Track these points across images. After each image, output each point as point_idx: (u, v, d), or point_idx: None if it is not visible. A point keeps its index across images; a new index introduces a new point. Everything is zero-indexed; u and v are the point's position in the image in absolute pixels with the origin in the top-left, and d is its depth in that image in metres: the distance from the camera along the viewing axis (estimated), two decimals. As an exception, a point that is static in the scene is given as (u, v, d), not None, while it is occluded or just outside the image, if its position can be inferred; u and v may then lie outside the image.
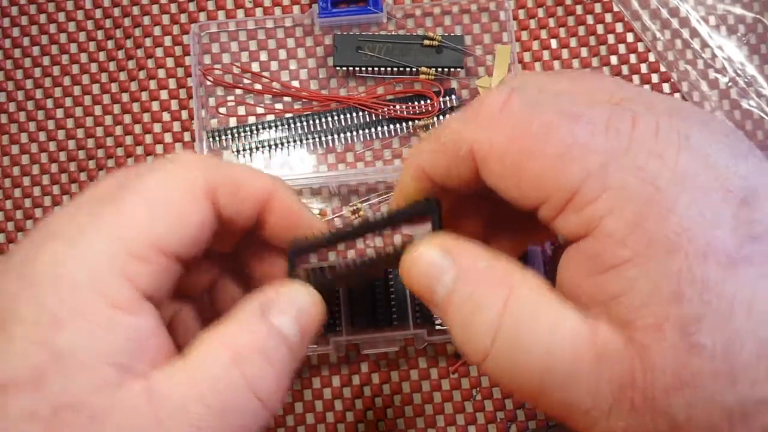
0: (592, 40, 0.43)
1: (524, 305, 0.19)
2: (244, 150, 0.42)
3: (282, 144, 0.42)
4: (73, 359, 0.19)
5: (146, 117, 0.43)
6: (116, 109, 0.43)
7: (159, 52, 0.44)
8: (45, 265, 0.20)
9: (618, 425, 0.18)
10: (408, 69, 0.41)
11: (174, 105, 0.43)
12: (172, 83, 0.44)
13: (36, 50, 0.44)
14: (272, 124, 0.42)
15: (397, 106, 0.42)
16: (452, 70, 0.42)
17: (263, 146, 0.42)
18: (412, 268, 0.22)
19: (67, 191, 0.43)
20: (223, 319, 0.22)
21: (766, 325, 0.17)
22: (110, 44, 0.44)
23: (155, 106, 0.43)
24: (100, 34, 0.44)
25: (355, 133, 0.42)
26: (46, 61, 0.44)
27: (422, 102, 0.42)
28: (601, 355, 0.18)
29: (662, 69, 0.43)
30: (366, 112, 0.42)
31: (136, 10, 0.44)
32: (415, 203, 0.24)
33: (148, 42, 0.44)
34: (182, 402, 0.19)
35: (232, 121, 0.43)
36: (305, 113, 0.42)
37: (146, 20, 0.44)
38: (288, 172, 0.42)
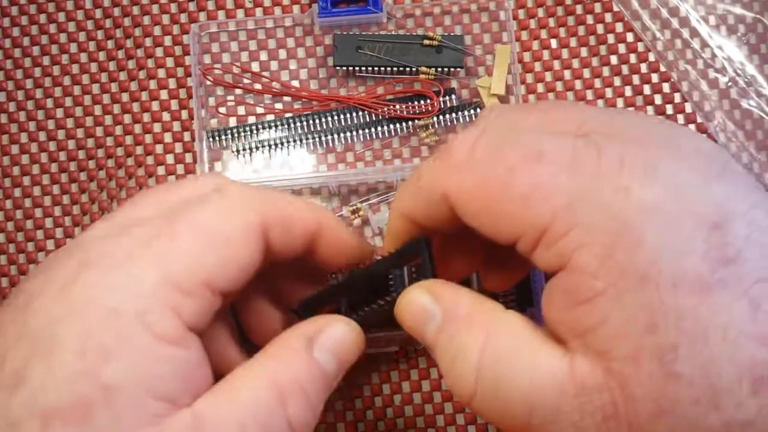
0: (592, 40, 0.43)
1: (502, 347, 0.20)
2: (243, 150, 0.42)
3: (282, 144, 0.42)
4: (120, 392, 0.18)
5: (146, 117, 0.43)
6: (116, 108, 0.43)
7: (159, 51, 0.44)
8: (89, 291, 0.19)
9: None
10: (408, 69, 0.41)
11: (174, 105, 0.43)
12: (171, 83, 0.44)
13: (36, 50, 0.44)
14: (272, 124, 0.42)
15: (397, 106, 0.42)
16: (452, 69, 0.42)
17: (263, 146, 0.42)
18: (405, 311, 0.24)
19: (67, 191, 0.43)
20: (267, 349, 0.22)
21: (743, 347, 0.17)
22: (110, 44, 0.44)
23: (155, 105, 0.43)
24: (100, 34, 0.44)
25: (354, 132, 0.42)
26: (46, 60, 0.44)
27: (422, 102, 0.42)
28: (582, 387, 0.18)
29: (662, 69, 0.43)
30: (366, 112, 0.42)
31: (136, 10, 0.44)
32: (407, 244, 0.25)
33: (148, 42, 0.44)
34: (225, 428, 0.20)
35: (232, 121, 0.43)
36: (305, 113, 0.42)
37: (146, 20, 0.44)
38: (288, 171, 0.42)
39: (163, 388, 0.19)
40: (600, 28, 0.43)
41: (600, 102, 0.43)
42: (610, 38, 0.43)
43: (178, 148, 0.43)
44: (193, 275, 0.20)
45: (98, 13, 0.44)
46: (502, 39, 0.43)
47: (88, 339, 0.19)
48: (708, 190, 0.18)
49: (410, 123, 0.42)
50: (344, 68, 0.42)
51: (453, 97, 0.42)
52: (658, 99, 0.43)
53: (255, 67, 0.43)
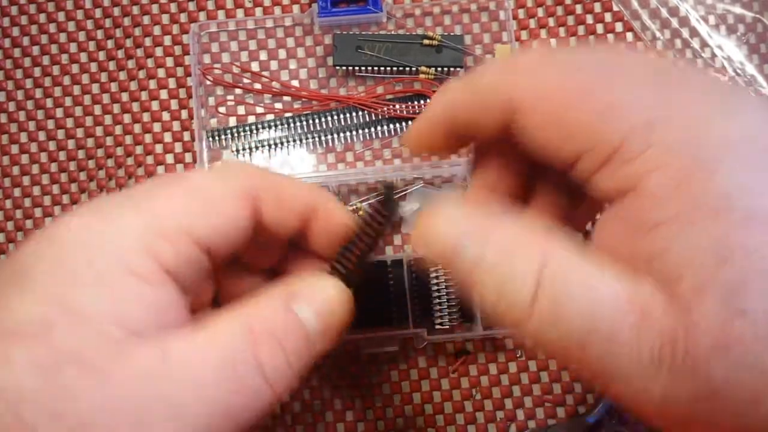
0: (592, 40, 0.43)
1: (560, 268, 0.19)
2: (243, 149, 0.42)
3: (282, 143, 0.42)
4: (84, 316, 0.19)
5: (146, 116, 0.43)
6: (116, 108, 0.43)
7: (158, 51, 0.44)
8: (72, 231, 0.20)
9: (656, 388, 0.17)
10: (408, 68, 0.41)
11: (174, 104, 0.43)
12: (171, 83, 0.44)
13: (36, 50, 0.44)
14: (272, 124, 0.42)
15: (397, 106, 0.42)
16: (452, 69, 0.42)
17: (263, 146, 0.42)
18: (430, 233, 0.21)
19: (67, 190, 0.43)
20: (247, 300, 0.22)
21: None
22: (110, 44, 0.44)
23: (155, 105, 0.43)
24: (99, 34, 0.44)
25: (354, 132, 0.42)
26: (45, 60, 0.44)
27: (422, 101, 0.42)
28: (644, 312, 0.18)
29: (662, 68, 0.43)
30: (366, 112, 0.42)
31: (135, 10, 0.44)
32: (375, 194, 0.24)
33: (147, 41, 0.44)
34: (190, 364, 0.20)
35: (232, 121, 0.43)
36: (305, 113, 0.42)
37: (146, 20, 0.44)
38: (288, 171, 0.42)
39: (129, 319, 0.19)
40: (600, 28, 0.43)
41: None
42: (610, 38, 0.43)
43: (178, 147, 0.43)
44: (174, 224, 0.21)
45: (98, 13, 0.44)
46: (502, 39, 0.43)
47: (62, 267, 0.19)
48: None
49: (410, 123, 0.42)
50: (344, 68, 0.42)
51: (453, 96, 0.42)
52: (657, 99, 0.43)
53: (255, 66, 0.43)
